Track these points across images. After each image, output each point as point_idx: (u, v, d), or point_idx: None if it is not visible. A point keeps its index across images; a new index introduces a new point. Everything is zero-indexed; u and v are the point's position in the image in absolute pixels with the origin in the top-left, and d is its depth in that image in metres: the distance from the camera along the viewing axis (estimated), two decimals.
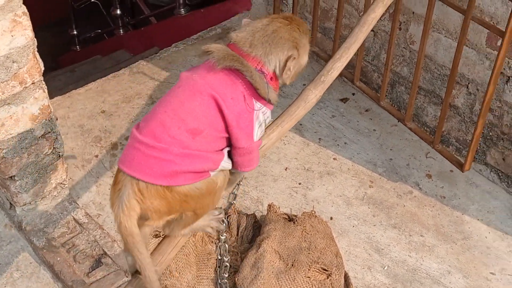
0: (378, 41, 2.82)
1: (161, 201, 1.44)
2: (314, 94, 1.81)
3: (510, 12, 1.94)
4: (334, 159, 2.69)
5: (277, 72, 1.55)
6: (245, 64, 1.48)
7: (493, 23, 2.26)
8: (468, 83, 2.50)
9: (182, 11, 4.07)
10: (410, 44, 2.66)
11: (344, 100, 3.00)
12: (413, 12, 2.56)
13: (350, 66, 2.69)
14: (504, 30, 1.99)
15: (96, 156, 2.65)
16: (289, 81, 1.59)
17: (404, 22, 2.64)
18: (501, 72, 2.34)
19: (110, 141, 2.71)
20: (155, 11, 4.76)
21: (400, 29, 2.67)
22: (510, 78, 2.33)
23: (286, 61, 1.53)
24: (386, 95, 2.87)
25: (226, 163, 1.53)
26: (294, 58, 1.54)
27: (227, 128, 1.49)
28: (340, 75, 2.89)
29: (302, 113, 1.79)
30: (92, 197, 2.47)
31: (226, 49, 1.51)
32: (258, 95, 1.51)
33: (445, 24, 2.45)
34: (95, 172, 2.58)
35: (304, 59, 1.61)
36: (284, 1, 3.22)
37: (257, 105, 1.51)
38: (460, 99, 2.55)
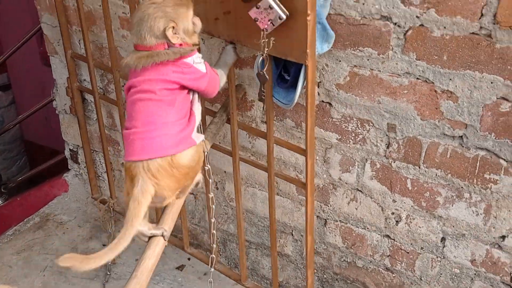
0: (200, 202, 2.80)
1: (170, 179, 1.73)
2: None
3: (305, 164, 1.99)
4: None
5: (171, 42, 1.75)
6: (154, 54, 1.73)
7: (296, 173, 2.33)
8: (292, 231, 2.52)
9: None
10: (230, 201, 2.65)
11: (181, 267, 2.89)
12: (225, 171, 2.58)
13: (178, 231, 2.61)
14: (305, 182, 2.04)
15: None
16: (193, 39, 1.81)
17: (219, 181, 2.65)
18: (318, 216, 2.39)
19: None
20: None
21: (217, 188, 2.67)
22: (327, 220, 2.38)
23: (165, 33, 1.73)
24: (220, 254, 2.81)
25: (198, 108, 1.85)
26: (173, 27, 1.73)
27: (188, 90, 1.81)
28: (170, 242, 2.81)
29: None
30: None
31: (134, 55, 1.76)
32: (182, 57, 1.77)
33: (256, 179, 2.49)
34: None
35: (188, 22, 1.78)
36: (101, 178, 3.13)
37: (189, 59, 1.78)
38: (289, 247, 2.55)
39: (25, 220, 3.18)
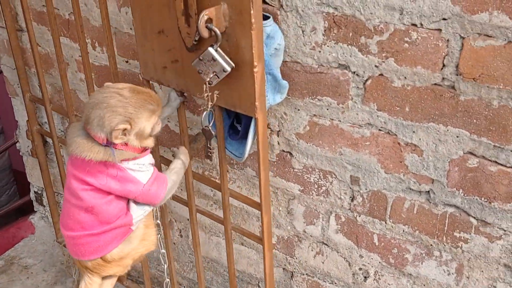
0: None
1: (112, 268, 1.77)
2: None
3: (260, 219, 1.86)
4: None
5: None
6: (92, 149, 1.59)
7: (260, 223, 2.19)
8: (258, 282, 2.38)
9: None
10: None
11: None
12: (188, 219, 2.45)
13: (142, 276, 2.48)
14: (261, 237, 1.90)
15: None
16: (145, 142, 1.67)
17: (183, 229, 2.52)
18: (284, 268, 2.26)
19: None
20: None
21: (181, 236, 2.54)
22: (294, 273, 2.24)
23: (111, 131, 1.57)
24: None
25: (138, 211, 1.72)
26: (125, 129, 1.58)
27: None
28: None
29: None
30: None
31: (78, 138, 1.62)
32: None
33: (220, 228, 2.36)
34: None
35: (147, 126, 1.63)
36: None
37: (126, 164, 1.63)
38: None
39: None
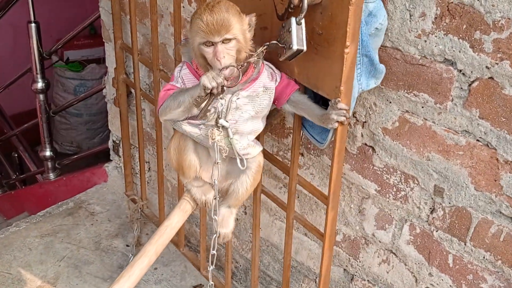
0: None
1: None
2: None
3: (325, 214, 1.70)
4: None
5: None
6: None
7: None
8: (315, 278, 2.23)
9: (51, 175, 3.79)
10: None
11: (198, 286, 2.68)
12: None
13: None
14: (323, 233, 1.75)
15: None
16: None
17: (249, 206, 2.40)
18: (345, 270, 2.09)
19: None
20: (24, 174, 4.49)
21: (245, 213, 2.43)
22: (354, 276, 2.07)
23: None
24: (240, 283, 2.58)
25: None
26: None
27: None
28: (190, 260, 2.60)
29: None
30: None
31: None
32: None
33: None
34: None
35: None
36: (138, 175, 2.98)
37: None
38: None
39: (59, 203, 3.09)
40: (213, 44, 1.49)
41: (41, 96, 3.60)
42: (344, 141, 1.58)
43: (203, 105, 1.51)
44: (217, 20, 1.46)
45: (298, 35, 1.41)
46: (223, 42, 1.49)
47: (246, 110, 1.62)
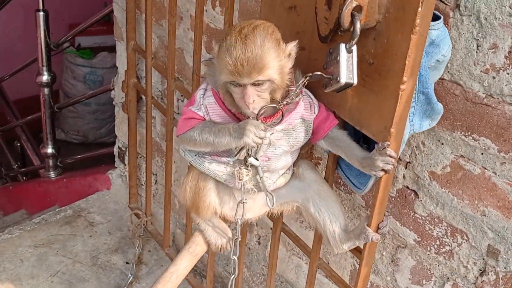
0: None
1: None
2: None
3: (358, 269, 1.45)
4: None
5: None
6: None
7: (355, 261, 1.79)
8: None
9: (52, 174, 3.55)
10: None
11: None
12: (271, 228, 2.09)
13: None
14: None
15: None
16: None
17: (263, 236, 2.16)
18: None
19: None
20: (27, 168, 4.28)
21: (259, 243, 2.19)
22: None
23: None
24: None
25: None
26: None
27: None
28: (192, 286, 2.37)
29: None
30: None
31: None
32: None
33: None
34: None
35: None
36: (143, 186, 2.74)
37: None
38: None
39: (56, 210, 2.86)
40: (241, 85, 1.25)
41: (46, 90, 3.35)
42: (388, 191, 1.33)
43: (242, 153, 1.29)
44: (249, 58, 1.20)
45: (347, 66, 1.15)
46: (253, 84, 1.24)
47: (280, 145, 1.37)
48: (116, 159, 2.88)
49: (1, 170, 4.45)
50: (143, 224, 2.54)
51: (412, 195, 1.58)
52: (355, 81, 1.17)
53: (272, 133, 1.35)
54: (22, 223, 2.75)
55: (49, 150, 3.50)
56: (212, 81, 1.37)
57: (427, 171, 1.51)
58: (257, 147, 1.29)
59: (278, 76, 1.25)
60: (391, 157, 1.26)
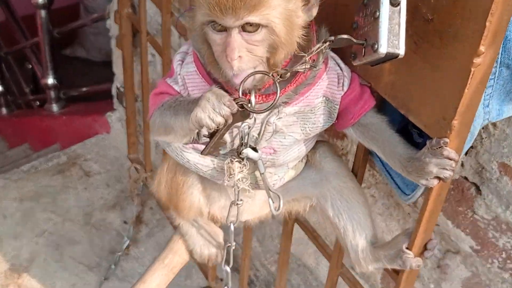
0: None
1: None
2: None
3: None
4: None
5: None
6: None
7: None
8: None
9: (54, 106, 3.17)
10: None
11: None
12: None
13: None
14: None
15: None
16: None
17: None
18: None
19: None
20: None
21: (272, 216, 1.81)
22: None
23: None
24: None
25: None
26: None
27: None
28: None
29: None
30: None
31: None
32: None
33: None
34: None
35: None
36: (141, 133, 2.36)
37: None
38: None
39: (49, 155, 2.52)
40: (225, 29, 0.82)
41: (42, 12, 2.92)
42: (441, 202, 0.92)
43: (201, 139, 0.88)
44: None
45: (391, 27, 0.72)
46: (243, 29, 0.81)
47: (292, 133, 0.97)
48: (115, 100, 2.49)
49: (7, 97, 4.13)
50: (142, 181, 2.18)
51: (472, 190, 1.16)
52: (401, 52, 0.74)
53: (280, 118, 0.93)
54: (9, 171, 2.41)
55: (50, 80, 3.11)
56: (195, 40, 0.94)
57: (497, 161, 1.08)
58: (221, 129, 0.87)
59: (282, 24, 0.82)
60: (450, 159, 0.84)
